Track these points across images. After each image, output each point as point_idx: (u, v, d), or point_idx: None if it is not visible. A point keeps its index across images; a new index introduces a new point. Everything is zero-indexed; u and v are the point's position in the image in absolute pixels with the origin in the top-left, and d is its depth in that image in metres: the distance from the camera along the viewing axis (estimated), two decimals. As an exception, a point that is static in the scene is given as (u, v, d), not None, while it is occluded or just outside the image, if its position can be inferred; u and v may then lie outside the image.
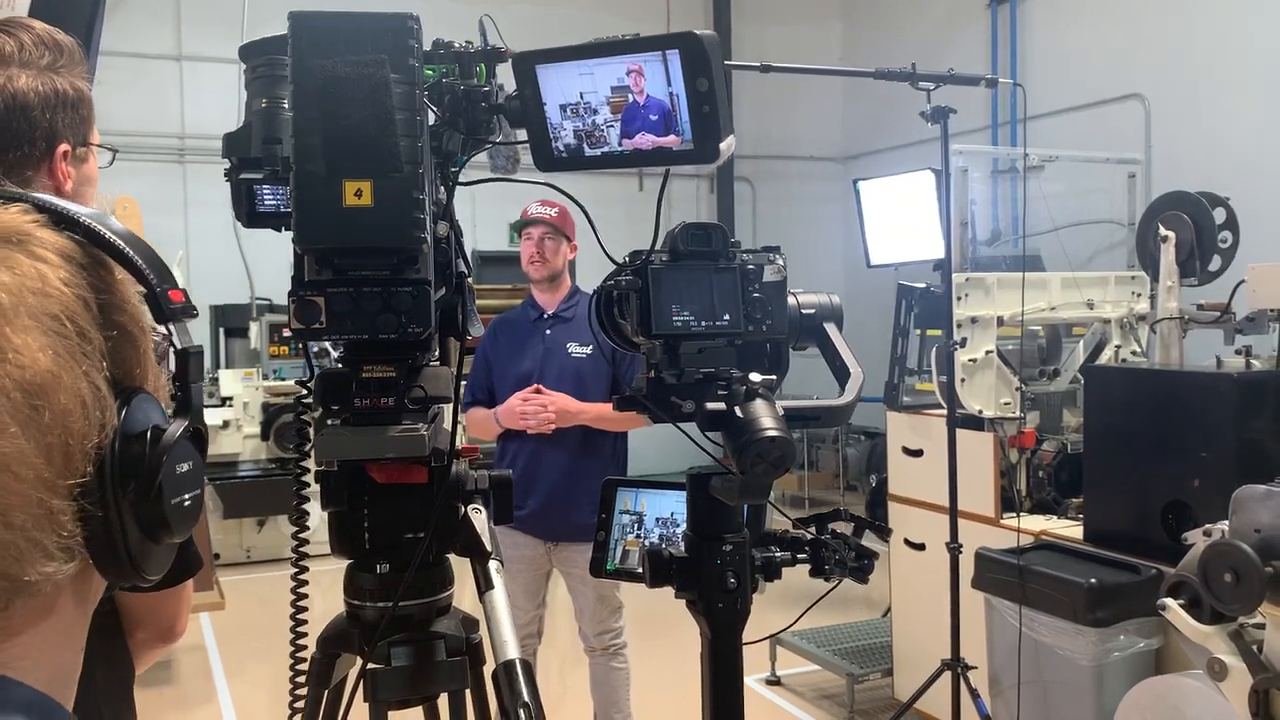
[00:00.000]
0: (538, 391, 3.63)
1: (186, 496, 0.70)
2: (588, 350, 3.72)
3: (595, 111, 1.16)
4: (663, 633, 5.24)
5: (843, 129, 10.24)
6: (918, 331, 5.05)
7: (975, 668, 3.88)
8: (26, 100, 1.45)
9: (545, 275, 3.78)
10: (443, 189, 1.34)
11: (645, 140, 1.14)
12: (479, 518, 1.37)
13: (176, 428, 0.69)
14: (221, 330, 8.64)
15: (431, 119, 1.28)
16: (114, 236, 0.68)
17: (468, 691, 1.40)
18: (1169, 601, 2.54)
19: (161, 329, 0.72)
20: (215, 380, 7.84)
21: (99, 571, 0.66)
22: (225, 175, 1.43)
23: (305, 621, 1.50)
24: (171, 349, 0.73)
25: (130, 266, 0.68)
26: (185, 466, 0.70)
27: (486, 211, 9.14)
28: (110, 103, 6.60)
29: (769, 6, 10.09)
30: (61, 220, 0.67)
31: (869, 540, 1.50)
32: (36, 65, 1.47)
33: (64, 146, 1.48)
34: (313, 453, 1.35)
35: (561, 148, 1.19)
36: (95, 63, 2.29)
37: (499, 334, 3.85)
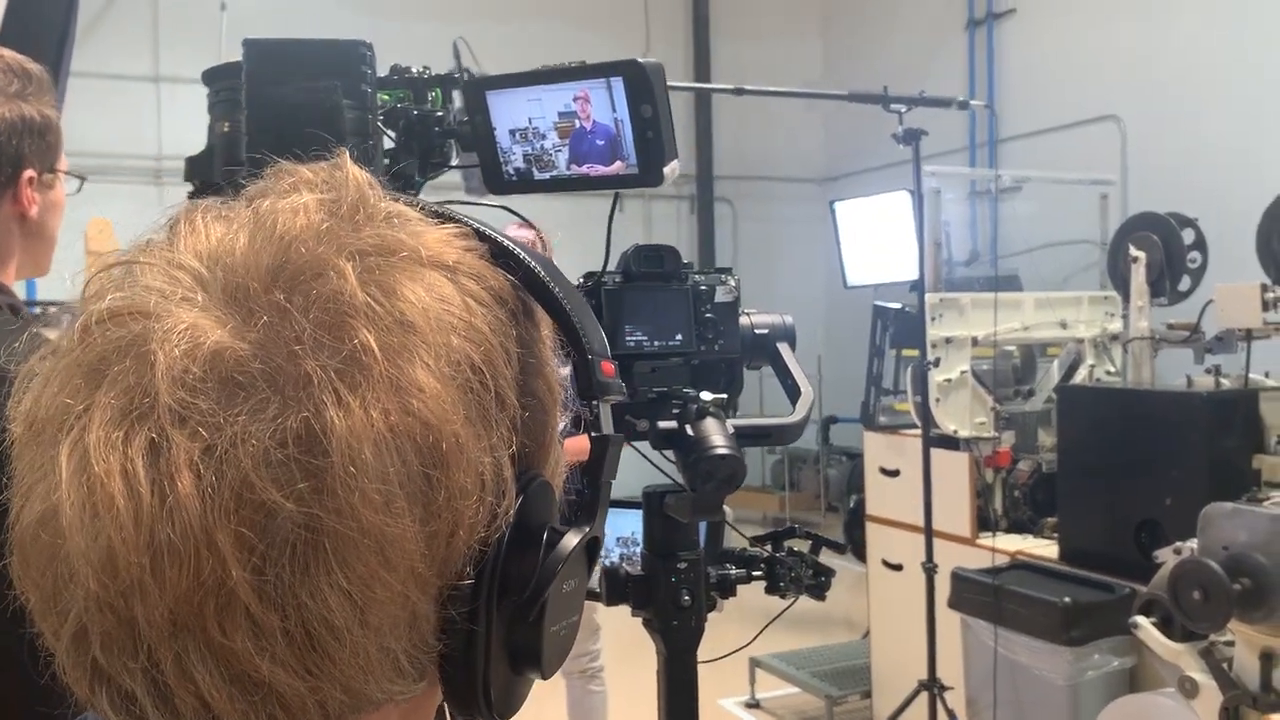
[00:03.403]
0: None
1: (564, 624, 0.56)
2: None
3: (543, 136, 1.18)
4: (640, 656, 5.22)
5: (824, 150, 10.29)
6: (894, 351, 5.09)
7: (952, 689, 3.88)
8: None
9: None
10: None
11: (592, 166, 1.16)
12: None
13: (575, 536, 0.54)
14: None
15: (388, 144, 1.30)
16: (557, 287, 0.55)
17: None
18: (1141, 620, 2.56)
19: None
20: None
21: (447, 699, 0.53)
22: (189, 198, 1.44)
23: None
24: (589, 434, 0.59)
25: (568, 326, 0.56)
26: (571, 585, 0.55)
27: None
28: (87, 124, 6.56)
29: (749, 26, 10.15)
30: (501, 255, 0.55)
31: (828, 558, 1.52)
32: (4, 93, 1.49)
33: (29, 172, 1.49)
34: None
35: (511, 171, 1.21)
36: (65, 86, 2.31)
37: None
